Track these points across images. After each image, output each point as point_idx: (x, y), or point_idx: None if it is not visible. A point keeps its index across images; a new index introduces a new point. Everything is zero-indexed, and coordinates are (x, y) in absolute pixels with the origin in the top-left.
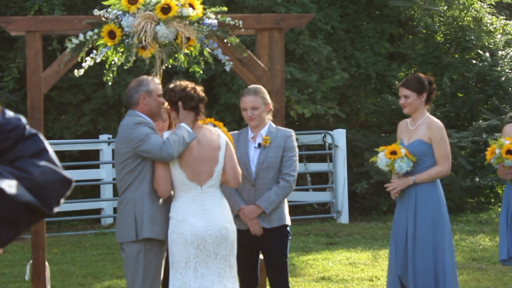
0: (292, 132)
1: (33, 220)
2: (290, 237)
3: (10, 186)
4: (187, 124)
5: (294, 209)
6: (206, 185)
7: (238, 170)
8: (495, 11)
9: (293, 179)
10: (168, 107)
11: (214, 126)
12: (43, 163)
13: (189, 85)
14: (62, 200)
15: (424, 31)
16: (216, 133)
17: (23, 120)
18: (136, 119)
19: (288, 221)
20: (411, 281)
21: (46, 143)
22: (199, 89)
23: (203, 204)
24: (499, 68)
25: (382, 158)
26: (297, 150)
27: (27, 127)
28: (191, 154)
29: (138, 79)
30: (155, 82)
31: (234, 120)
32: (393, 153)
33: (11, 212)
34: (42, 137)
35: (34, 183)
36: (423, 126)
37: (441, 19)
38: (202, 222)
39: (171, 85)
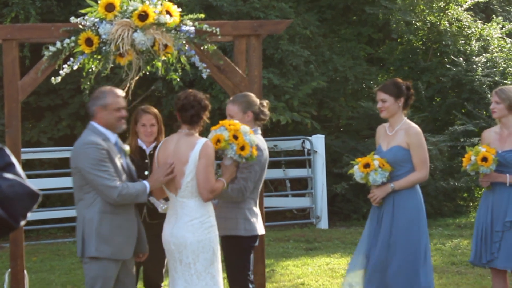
0: (256, 142)
1: None
2: (238, 248)
3: None
4: (183, 129)
5: (274, 215)
6: (179, 195)
7: (208, 185)
8: (472, 15)
9: (239, 187)
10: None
11: (225, 129)
12: (11, 176)
13: (189, 96)
14: (28, 214)
15: (399, 40)
16: (192, 146)
17: None
18: (89, 138)
19: (239, 232)
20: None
21: (13, 157)
22: (198, 99)
23: (175, 212)
24: (472, 73)
25: (356, 172)
26: (253, 162)
27: None
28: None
29: (99, 90)
30: (114, 94)
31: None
32: (367, 166)
33: None
34: (8, 151)
35: (2, 196)
36: (401, 132)
37: (418, 24)
38: (169, 229)
39: (180, 94)
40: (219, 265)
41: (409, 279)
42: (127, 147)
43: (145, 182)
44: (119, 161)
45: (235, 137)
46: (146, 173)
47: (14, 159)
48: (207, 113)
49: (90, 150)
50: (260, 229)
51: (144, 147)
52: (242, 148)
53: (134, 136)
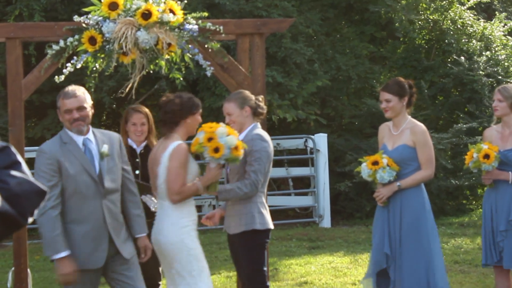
0: (256, 136)
1: (7, 231)
2: (256, 243)
3: None
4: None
5: (276, 213)
6: (157, 196)
7: (174, 186)
8: (475, 13)
9: (250, 181)
10: None
11: (204, 132)
12: (18, 174)
13: (167, 99)
14: (36, 211)
15: (402, 39)
16: (165, 148)
17: None
18: (43, 145)
19: (256, 226)
20: (399, 284)
21: (19, 156)
22: (172, 103)
23: (157, 214)
24: (474, 73)
25: (364, 169)
26: (260, 154)
27: None
28: (150, 169)
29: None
30: (63, 96)
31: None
32: (375, 163)
33: None
34: (14, 149)
35: (10, 193)
36: (407, 131)
37: (420, 23)
38: (152, 232)
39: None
40: (199, 264)
41: (421, 280)
42: (104, 148)
43: (63, 249)
44: (82, 168)
45: (210, 139)
46: (137, 172)
47: (20, 158)
48: (184, 116)
49: (39, 158)
50: (270, 223)
51: (135, 146)
52: (216, 150)
53: (125, 135)
